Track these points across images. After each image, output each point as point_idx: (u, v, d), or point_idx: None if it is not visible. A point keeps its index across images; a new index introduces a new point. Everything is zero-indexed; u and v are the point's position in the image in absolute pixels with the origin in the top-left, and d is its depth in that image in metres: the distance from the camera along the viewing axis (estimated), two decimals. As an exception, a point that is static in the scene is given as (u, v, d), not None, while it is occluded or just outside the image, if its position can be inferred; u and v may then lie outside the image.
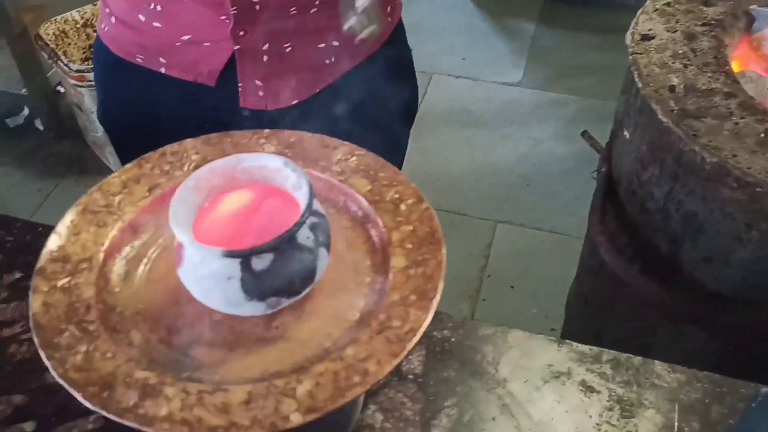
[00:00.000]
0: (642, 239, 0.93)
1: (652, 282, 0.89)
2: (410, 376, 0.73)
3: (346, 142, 0.59)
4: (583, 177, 2.09)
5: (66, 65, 1.89)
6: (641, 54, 0.92)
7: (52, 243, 0.52)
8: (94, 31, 1.77)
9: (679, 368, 0.73)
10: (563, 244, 1.94)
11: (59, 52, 1.94)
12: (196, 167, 0.58)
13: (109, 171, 2.19)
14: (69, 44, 2.08)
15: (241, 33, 0.80)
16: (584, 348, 0.75)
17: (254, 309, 0.49)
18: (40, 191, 2.11)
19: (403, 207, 0.55)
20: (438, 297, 0.49)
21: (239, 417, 0.43)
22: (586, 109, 2.32)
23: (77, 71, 1.89)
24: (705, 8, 0.98)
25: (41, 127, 2.26)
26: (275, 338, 0.50)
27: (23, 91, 2.12)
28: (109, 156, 2.12)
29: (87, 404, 0.43)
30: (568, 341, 0.76)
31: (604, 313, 1.08)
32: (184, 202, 0.49)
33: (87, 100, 1.97)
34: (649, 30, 0.95)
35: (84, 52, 2.12)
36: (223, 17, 0.80)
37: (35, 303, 0.49)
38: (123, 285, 0.52)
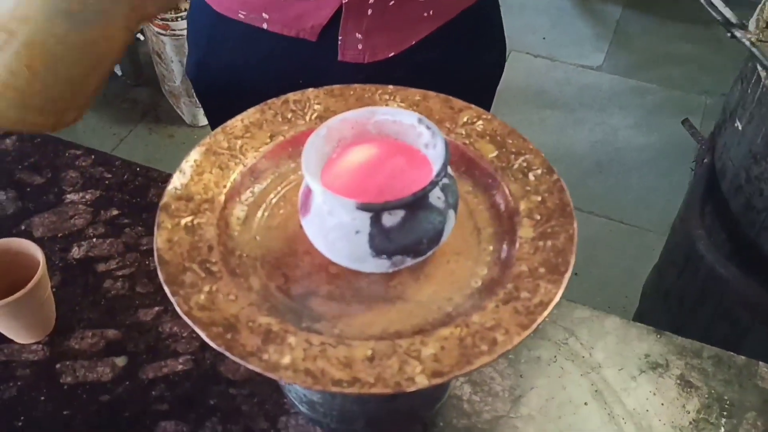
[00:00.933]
0: (744, 237, 0.89)
1: (753, 281, 0.86)
2: (501, 352, 0.71)
3: (473, 105, 0.57)
4: (659, 169, 2.03)
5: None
6: (766, 42, 0.87)
7: (177, 181, 0.52)
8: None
9: (790, 373, 0.70)
10: (633, 235, 1.89)
11: (145, -1, 1.95)
12: (318, 117, 0.57)
13: (182, 121, 2.21)
14: (153, -9, 2.09)
15: None
16: (684, 341, 0.73)
17: (378, 266, 0.47)
18: (115, 135, 2.15)
19: (531, 177, 0.53)
20: (569, 272, 0.47)
21: (363, 373, 0.42)
22: (667, 99, 2.25)
23: (162, 19, 1.89)
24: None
25: (119, 73, 2.29)
26: (393, 298, 0.49)
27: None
28: (183, 106, 2.14)
29: (212, 344, 0.43)
30: (667, 332, 0.73)
31: (688, 309, 1.04)
32: (315, 150, 0.47)
33: (168, 49, 1.98)
34: (776, 18, 0.90)
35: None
36: None
37: (159, 239, 0.48)
38: (242, 229, 0.52)
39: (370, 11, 0.81)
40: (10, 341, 0.70)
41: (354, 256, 0.47)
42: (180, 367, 0.69)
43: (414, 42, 0.83)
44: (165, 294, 0.74)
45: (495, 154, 0.54)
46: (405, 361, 0.43)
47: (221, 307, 0.45)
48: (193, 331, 0.71)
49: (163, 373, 0.69)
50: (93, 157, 0.88)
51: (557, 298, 0.46)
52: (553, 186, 0.52)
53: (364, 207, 0.45)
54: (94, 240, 0.79)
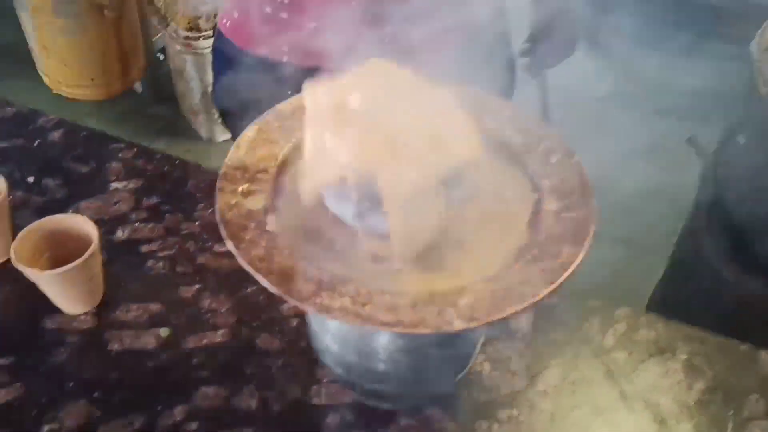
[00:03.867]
0: (750, 246, 0.95)
1: (758, 285, 0.91)
2: (518, 335, 0.76)
3: (497, 97, 0.63)
4: (662, 196, 2.09)
5: (175, 31, 1.98)
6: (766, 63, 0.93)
7: (233, 154, 0.57)
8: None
9: (789, 357, 0.75)
10: (637, 257, 1.94)
11: (168, 18, 2.03)
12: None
13: (199, 137, 2.28)
14: (176, 12, 2.17)
15: None
16: (690, 329, 0.77)
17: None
18: (134, 149, 2.21)
19: (553, 159, 0.58)
20: (590, 238, 0.52)
21: (406, 317, 0.47)
22: (670, 129, 2.31)
23: (185, 38, 1.97)
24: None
25: (140, 90, 2.36)
26: (431, 263, 0.54)
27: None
28: (201, 122, 2.20)
29: (272, 289, 0.48)
30: (674, 321, 0.78)
31: (693, 317, 1.09)
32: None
33: (189, 66, 2.05)
34: (776, 39, 0.97)
35: (189, 22, 2.21)
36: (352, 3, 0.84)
37: (220, 201, 0.54)
38: (291, 198, 0.57)
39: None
40: (60, 311, 0.75)
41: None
42: (219, 339, 0.74)
43: None
44: (204, 273, 0.80)
45: (520, 139, 0.60)
46: (443, 308, 0.48)
47: (277, 260, 0.50)
48: (231, 307, 0.77)
49: (203, 344, 0.73)
50: (135, 150, 0.94)
51: (579, 259, 0.51)
52: (573, 167, 0.57)
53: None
54: (137, 224, 0.85)
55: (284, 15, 0.89)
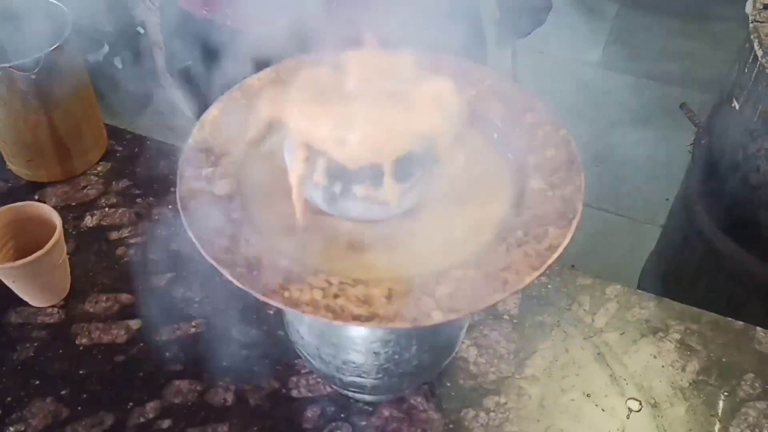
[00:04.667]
0: (742, 213, 0.92)
1: (750, 255, 0.88)
2: (506, 317, 0.73)
3: (481, 65, 0.59)
4: (655, 162, 2.06)
5: (152, 2, 1.92)
6: (763, 23, 0.89)
7: (197, 134, 0.54)
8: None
9: (787, 333, 0.72)
10: (629, 226, 1.91)
11: (146, -9, 1.97)
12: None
13: (183, 113, 2.23)
14: (153, -15, 2.11)
15: None
16: (684, 307, 0.75)
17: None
18: (115, 127, 2.16)
19: (539, 132, 0.55)
20: (577, 218, 0.49)
21: (382, 309, 0.44)
22: (664, 95, 2.27)
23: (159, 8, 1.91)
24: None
25: (120, 65, 2.30)
26: (407, 245, 0.51)
27: (139, 29, 2.15)
28: (184, 98, 2.15)
29: (236, 283, 0.44)
30: (666, 298, 0.75)
31: (685, 287, 1.06)
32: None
33: (169, 41, 2.00)
34: (772, -1, 0.92)
35: (167, -5, 2.15)
36: None
37: (182, 188, 0.50)
38: (259, 180, 0.53)
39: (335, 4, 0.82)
40: (27, 304, 0.71)
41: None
42: (193, 330, 0.71)
43: None
44: (177, 261, 0.76)
45: (503, 111, 0.56)
46: (421, 299, 0.45)
47: (243, 250, 0.47)
48: (206, 296, 0.73)
49: (176, 336, 0.70)
50: (104, 130, 0.90)
51: (566, 242, 0.47)
52: (560, 140, 0.54)
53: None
54: (107, 209, 0.81)
55: None
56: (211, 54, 0.93)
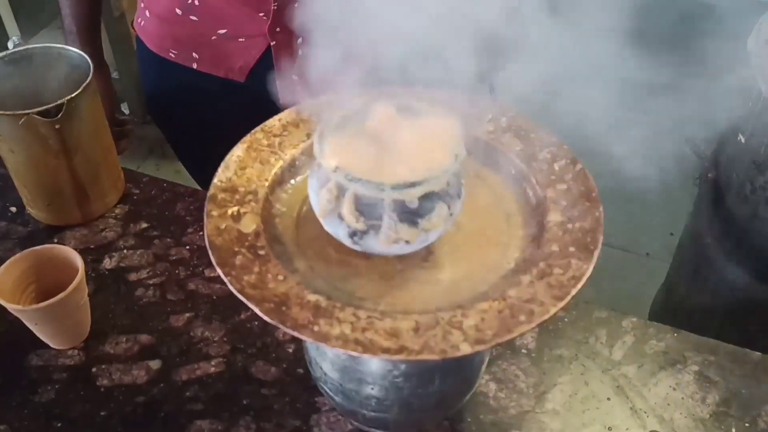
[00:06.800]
0: (753, 246, 0.92)
1: (763, 285, 0.88)
2: (523, 351, 0.74)
3: (498, 101, 0.61)
4: (658, 197, 2.07)
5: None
6: (766, 58, 0.91)
7: (222, 174, 0.55)
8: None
9: (806, 363, 0.72)
10: (634, 261, 1.92)
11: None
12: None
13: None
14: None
15: (278, 29, 0.82)
16: (700, 339, 0.75)
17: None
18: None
19: (556, 167, 0.56)
20: (598, 250, 0.50)
21: (409, 342, 0.45)
22: (665, 129, 2.30)
23: (171, 58, 1.95)
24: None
25: (127, 112, 2.33)
26: (432, 280, 0.51)
27: (114, 74, 2.19)
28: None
29: (266, 318, 0.45)
30: (683, 331, 0.76)
31: (697, 320, 1.07)
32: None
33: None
34: (772, 35, 0.95)
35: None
36: (261, 14, 0.82)
37: (209, 226, 0.51)
38: (283, 218, 0.54)
39: (300, 52, 0.84)
40: (47, 347, 0.72)
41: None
42: (212, 369, 0.71)
43: None
44: (195, 300, 0.77)
45: (520, 147, 0.58)
46: (448, 331, 0.45)
47: (271, 286, 0.48)
48: (224, 335, 0.73)
49: (197, 375, 0.70)
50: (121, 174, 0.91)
51: (588, 273, 0.48)
52: (577, 175, 0.55)
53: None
54: (125, 251, 0.82)
55: (194, 18, 0.86)
56: (181, 95, 0.96)
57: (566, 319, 0.76)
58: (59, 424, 0.66)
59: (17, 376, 0.70)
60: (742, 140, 0.94)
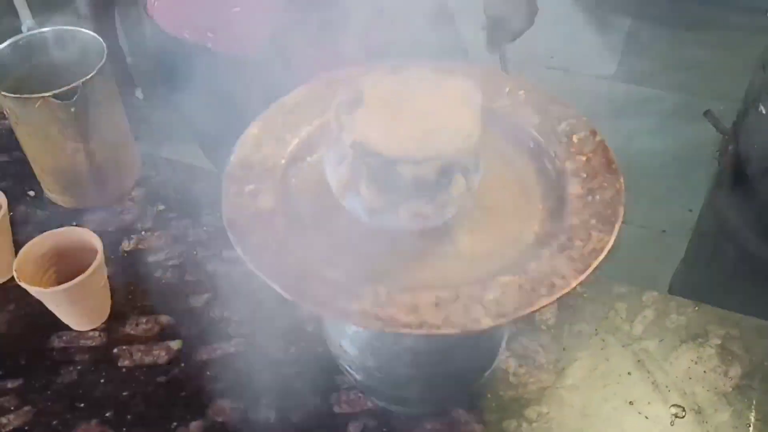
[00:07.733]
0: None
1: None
2: (543, 327, 0.73)
3: (515, 76, 0.60)
4: (675, 173, 2.05)
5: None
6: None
7: (239, 152, 0.55)
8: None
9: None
10: (651, 238, 1.90)
11: (167, 23, 2.00)
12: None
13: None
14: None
15: (292, 4, 0.81)
16: (722, 312, 0.74)
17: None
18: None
19: (575, 139, 0.55)
20: (620, 222, 0.49)
21: (430, 317, 0.44)
22: (681, 105, 2.27)
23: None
24: None
25: (141, 96, 2.33)
26: (451, 255, 0.51)
27: (128, 60, 2.19)
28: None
29: (285, 295, 0.45)
30: (705, 304, 0.75)
31: (719, 296, 1.06)
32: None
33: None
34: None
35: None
36: None
37: (226, 204, 0.51)
38: (300, 195, 0.54)
39: (316, 27, 0.83)
40: (69, 328, 0.72)
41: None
42: (233, 349, 0.71)
43: None
44: (214, 281, 0.77)
45: (538, 121, 0.57)
46: (468, 305, 0.45)
47: (289, 263, 0.48)
48: (243, 315, 0.74)
49: (217, 356, 0.71)
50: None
51: (610, 245, 0.48)
52: (596, 146, 0.54)
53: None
54: (143, 233, 0.82)
55: None
56: (195, 76, 0.95)
57: (585, 295, 0.76)
58: (82, 405, 0.67)
59: (40, 358, 0.71)
60: (763, 111, 0.93)
